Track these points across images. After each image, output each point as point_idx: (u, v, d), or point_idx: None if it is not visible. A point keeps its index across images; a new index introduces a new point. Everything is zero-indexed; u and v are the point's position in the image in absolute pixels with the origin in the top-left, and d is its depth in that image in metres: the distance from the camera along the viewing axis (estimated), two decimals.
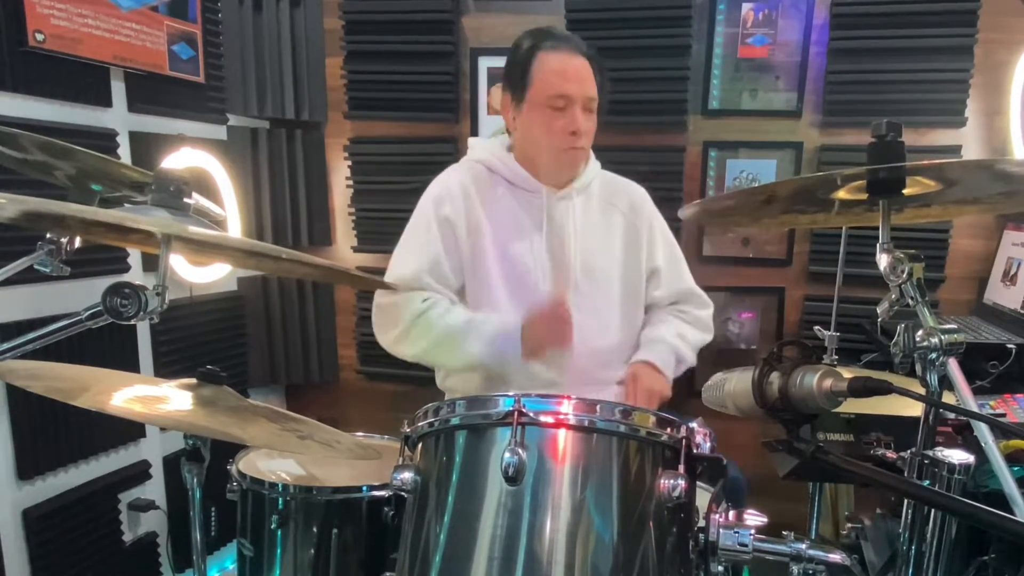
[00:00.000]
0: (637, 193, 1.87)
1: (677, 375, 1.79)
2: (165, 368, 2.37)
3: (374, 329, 1.77)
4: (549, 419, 0.97)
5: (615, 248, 1.79)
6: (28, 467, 1.96)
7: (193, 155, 2.49)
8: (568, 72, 1.63)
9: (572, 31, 2.68)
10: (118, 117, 2.22)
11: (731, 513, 0.98)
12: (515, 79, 1.68)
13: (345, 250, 3.09)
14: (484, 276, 1.72)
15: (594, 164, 1.82)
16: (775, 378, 0.92)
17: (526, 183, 1.74)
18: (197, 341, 2.55)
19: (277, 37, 2.86)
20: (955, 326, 0.99)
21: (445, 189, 1.76)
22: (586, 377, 1.70)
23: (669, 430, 0.99)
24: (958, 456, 0.97)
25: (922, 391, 0.97)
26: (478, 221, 1.72)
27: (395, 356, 1.76)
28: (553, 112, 1.64)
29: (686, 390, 2.78)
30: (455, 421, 1.03)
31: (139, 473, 2.31)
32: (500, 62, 2.80)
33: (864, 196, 1.10)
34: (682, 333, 1.81)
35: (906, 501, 1.02)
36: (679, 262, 1.90)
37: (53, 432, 2.01)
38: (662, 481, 0.96)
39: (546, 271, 1.72)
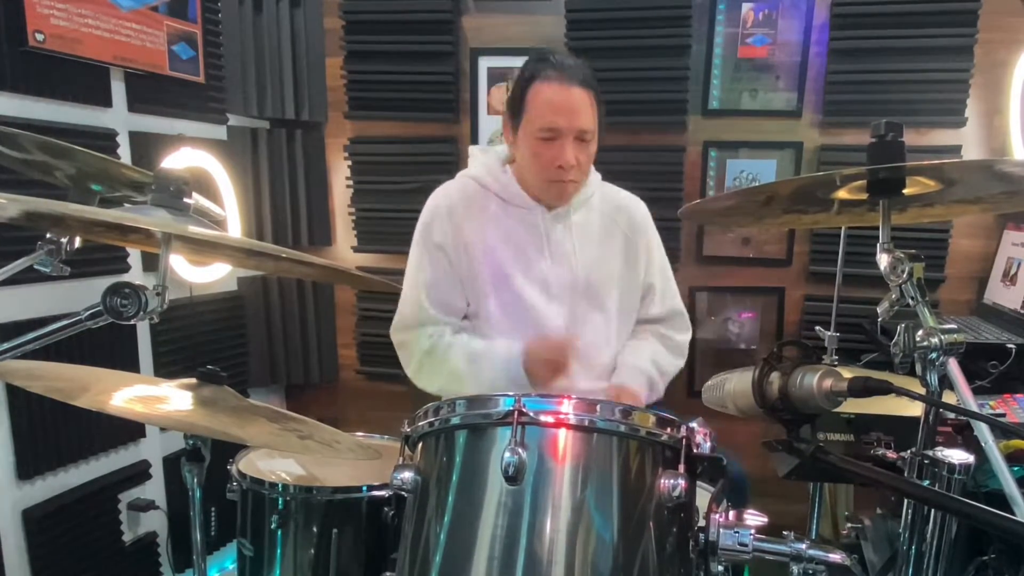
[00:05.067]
0: (638, 210, 1.86)
1: (647, 402, 1.80)
2: (165, 368, 2.37)
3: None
4: (549, 419, 0.97)
5: (614, 264, 1.79)
6: (28, 467, 1.95)
7: (193, 155, 2.49)
8: (560, 104, 1.60)
9: (572, 31, 2.71)
10: (118, 117, 2.22)
11: (731, 513, 0.99)
12: (513, 105, 1.68)
13: (345, 250, 3.09)
14: (479, 294, 1.73)
15: (594, 176, 1.81)
16: (775, 378, 0.92)
17: (521, 201, 1.74)
18: (197, 341, 2.55)
19: (277, 37, 2.86)
20: (955, 326, 0.99)
21: (433, 213, 1.77)
22: (582, 391, 1.71)
23: (669, 430, 0.99)
24: (958, 456, 0.97)
25: (922, 391, 0.97)
26: (467, 241, 1.72)
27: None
28: (542, 143, 1.62)
29: (686, 390, 2.79)
30: (455, 421, 1.03)
31: (139, 473, 2.31)
32: (500, 62, 2.84)
33: (864, 196, 1.10)
34: (657, 361, 1.81)
35: (906, 501, 1.02)
36: (670, 281, 1.91)
37: (53, 432, 2.01)
38: (662, 481, 0.96)
39: (544, 288, 1.72)
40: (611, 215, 1.81)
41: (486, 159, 1.80)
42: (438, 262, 1.73)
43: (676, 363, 1.88)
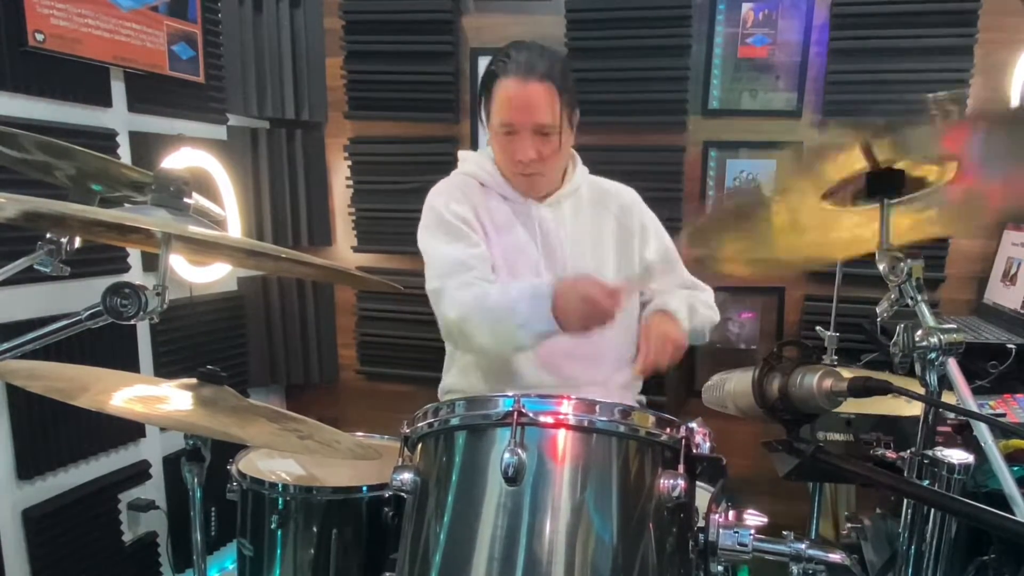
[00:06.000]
0: (627, 194, 1.88)
1: (695, 336, 1.76)
2: (165, 368, 2.37)
3: (448, 318, 1.65)
4: (549, 419, 0.97)
5: (607, 251, 1.80)
6: (28, 467, 1.96)
7: (193, 155, 2.49)
8: (515, 100, 1.61)
9: (572, 31, 2.70)
10: (118, 117, 2.22)
11: (731, 513, 0.99)
12: (482, 101, 1.71)
13: (345, 250, 3.09)
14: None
15: (581, 170, 1.83)
16: (775, 378, 0.92)
17: (513, 194, 1.76)
18: (197, 341, 2.55)
19: (277, 37, 2.85)
20: (955, 326, 0.99)
21: (447, 195, 1.76)
22: (582, 379, 1.70)
23: (669, 430, 0.99)
24: (958, 456, 0.97)
25: (922, 391, 0.97)
26: (482, 224, 1.74)
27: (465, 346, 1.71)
28: (504, 137, 1.65)
29: (686, 390, 2.79)
30: (455, 421, 1.03)
31: (139, 473, 2.31)
32: None
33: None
34: (691, 302, 1.79)
35: (906, 501, 1.02)
36: (673, 256, 1.90)
37: (53, 432, 2.01)
38: (662, 481, 0.96)
39: (542, 274, 1.73)
40: (600, 201, 1.83)
41: (477, 158, 1.82)
42: (469, 225, 1.70)
43: (710, 314, 1.84)
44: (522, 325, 1.52)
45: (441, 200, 1.75)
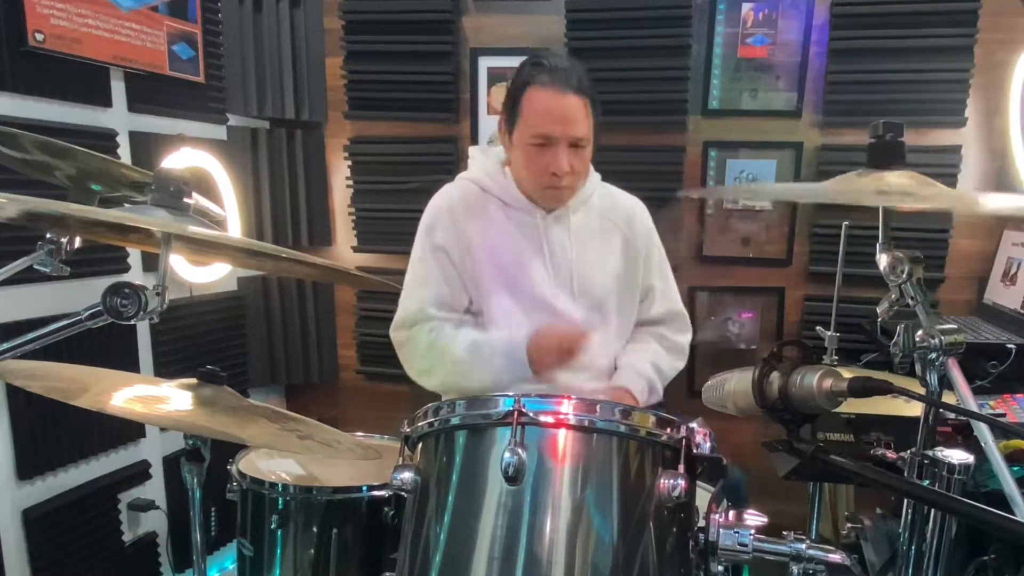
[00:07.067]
0: (636, 209, 1.87)
1: (646, 404, 1.79)
2: (165, 368, 2.37)
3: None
4: (549, 419, 0.97)
5: (612, 264, 1.79)
6: (28, 467, 1.96)
7: (193, 155, 2.49)
8: (554, 112, 1.59)
9: (572, 31, 2.71)
10: (118, 117, 2.22)
11: (731, 513, 0.99)
12: (508, 109, 1.68)
13: (345, 250, 3.09)
14: (487, 294, 1.74)
15: (594, 177, 1.81)
16: (775, 378, 0.92)
17: (520, 203, 1.74)
18: (197, 341, 2.55)
19: (277, 37, 2.86)
20: (955, 326, 0.99)
21: (434, 216, 1.77)
22: (581, 391, 1.70)
23: (669, 430, 0.99)
24: (958, 456, 0.97)
25: (922, 391, 0.97)
26: (469, 243, 1.73)
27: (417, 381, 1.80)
28: (536, 149, 1.62)
29: (686, 390, 2.79)
30: (455, 421, 1.03)
31: (139, 473, 2.31)
32: (500, 62, 2.84)
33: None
34: (658, 363, 1.81)
35: (906, 501, 1.02)
36: (671, 282, 1.92)
37: (53, 432, 2.01)
38: (662, 481, 0.96)
39: (547, 288, 1.73)
40: (610, 216, 1.81)
41: (485, 161, 1.80)
42: (440, 263, 1.73)
43: (676, 365, 1.88)
44: (495, 375, 1.63)
45: (427, 221, 1.77)
